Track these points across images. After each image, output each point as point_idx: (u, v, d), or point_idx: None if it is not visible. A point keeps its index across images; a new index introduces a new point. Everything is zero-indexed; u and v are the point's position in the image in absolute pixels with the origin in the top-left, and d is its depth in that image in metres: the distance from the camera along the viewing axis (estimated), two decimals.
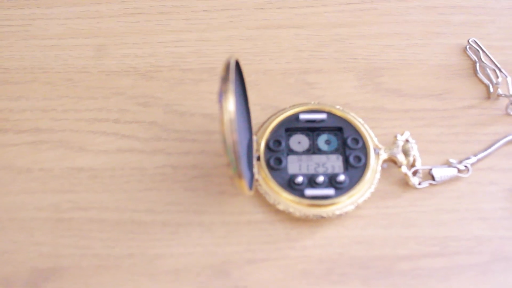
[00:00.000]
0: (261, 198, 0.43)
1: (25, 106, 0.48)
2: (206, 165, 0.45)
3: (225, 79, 0.36)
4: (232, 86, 0.36)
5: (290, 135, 0.45)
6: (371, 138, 0.45)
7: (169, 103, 0.48)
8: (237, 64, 0.40)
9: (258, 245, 0.42)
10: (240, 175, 0.37)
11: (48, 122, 0.47)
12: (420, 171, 0.44)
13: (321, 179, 0.42)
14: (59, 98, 0.49)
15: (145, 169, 0.45)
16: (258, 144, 0.44)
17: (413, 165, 0.45)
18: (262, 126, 0.45)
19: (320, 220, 0.42)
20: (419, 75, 0.50)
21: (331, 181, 0.43)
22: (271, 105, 0.48)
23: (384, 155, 0.44)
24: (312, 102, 0.47)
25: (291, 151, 0.44)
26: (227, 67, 0.37)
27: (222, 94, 0.36)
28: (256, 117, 0.47)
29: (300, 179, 0.42)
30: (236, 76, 0.40)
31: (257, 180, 0.43)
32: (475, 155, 0.45)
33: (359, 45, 0.52)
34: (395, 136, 0.45)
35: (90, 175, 0.45)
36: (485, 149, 0.46)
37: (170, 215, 0.43)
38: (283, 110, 0.46)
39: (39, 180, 0.45)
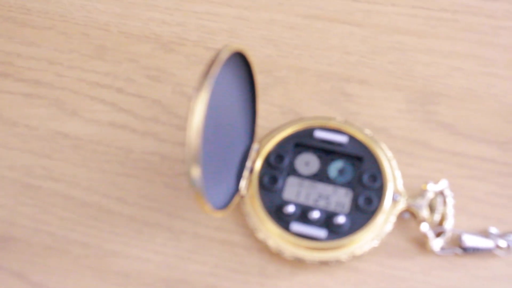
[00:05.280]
0: (243, 218, 0.37)
1: (34, 54, 0.44)
2: None
3: (204, 74, 0.29)
4: (210, 84, 0.29)
5: (298, 153, 0.37)
6: (394, 178, 0.36)
7: (181, 82, 0.42)
8: (244, 56, 0.33)
9: (226, 271, 0.36)
10: (199, 194, 0.30)
11: (50, 76, 0.43)
12: (447, 234, 0.35)
13: (316, 214, 0.35)
14: (70, 52, 0.44)
15: (132, 152, 0.40)
16: (257, 155, 0.37)
17: (440, 224, 0.36)
18: (270, 134, 0.38)
19: (302, 262, 0.35)
20: (486, 113, 0.40)
21: (328, 220, 0.35)
22: (294, 111, 0.41)
23: (402, 205, 0.35)
24: (338, 118, 0.38)
25: (293, 172, 0.37)
26: (213, 60, 0.30)
27: (195, 91, 0.29)
28: (272, 120, 0.40)
29: (291, 208, 0.35)
30: (238, 70, 0.33)
31: (242, 197, 0.36)
32: None
33: (422, 60, 0.42)
34: (426, 183, 0.36)
35: (74, 144, 0.40)
36: None
37: (141, 210, 0.38)
38: (299, 120, 0.38)
39: (21, 136, 0.41)
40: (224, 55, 0.30)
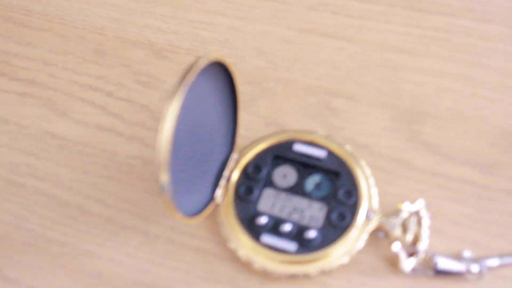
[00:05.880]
0: (217, 227, 0.37)
1: (30, 54, 0.45)
2: None
3: (179, 81, 0.30)
4: (183, 92, 0.30)
5: (277, 165, 0.38)
6: (369, 196, 0.36)
7: (170, 89, 0.43)
8: (225, 66, 0.34)
9: (196, 278, 0.36)
10: (167, 199, 0.30)
11: (44, 76, 0.44)
12: (420, 255, 0.35)
13: (288, 227, 0.35)
14: (65, 54, 0.45)
15: (116, 155, 0.41)
16: (236, 164, 0.37)
17: (413, 244, 0.35)
18: (250, 144, 0.38)
19: (270, 275, 0.35)
20: (471, 136, 0.40)
21: (299, 234, 0.35)
22: (278, 123, 0.41)
23: (375, 222, 0.35)
24: (320, 133, 0.39)
25: (270, 184, 0.37)
26: (190, 67, 0.30)
27: (168, 97, 0.30)
28: (256, 131, 0.40)
29: (264, 219, 0.35)
30: (218, 79, 0.34)
31: (217, 206, 0.37)
32: (501, 257, 0.35)
33: (411, 79, 0.42)
34: (401, 203, 0.36)
35: (61, 144, 0.41)
36: None
37: (119, 213, 0.38)
38: (280, 132, 0.38)
39: (11, 134, 0.42)
40: (201, 64, 0.30)
